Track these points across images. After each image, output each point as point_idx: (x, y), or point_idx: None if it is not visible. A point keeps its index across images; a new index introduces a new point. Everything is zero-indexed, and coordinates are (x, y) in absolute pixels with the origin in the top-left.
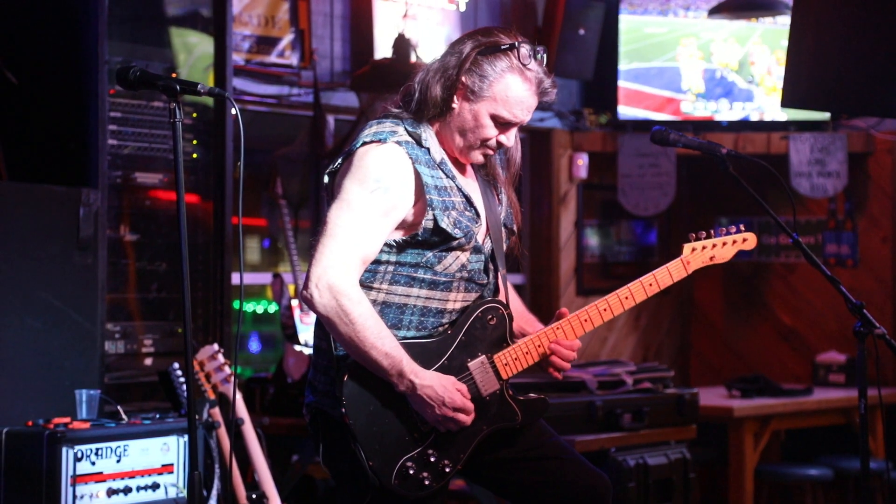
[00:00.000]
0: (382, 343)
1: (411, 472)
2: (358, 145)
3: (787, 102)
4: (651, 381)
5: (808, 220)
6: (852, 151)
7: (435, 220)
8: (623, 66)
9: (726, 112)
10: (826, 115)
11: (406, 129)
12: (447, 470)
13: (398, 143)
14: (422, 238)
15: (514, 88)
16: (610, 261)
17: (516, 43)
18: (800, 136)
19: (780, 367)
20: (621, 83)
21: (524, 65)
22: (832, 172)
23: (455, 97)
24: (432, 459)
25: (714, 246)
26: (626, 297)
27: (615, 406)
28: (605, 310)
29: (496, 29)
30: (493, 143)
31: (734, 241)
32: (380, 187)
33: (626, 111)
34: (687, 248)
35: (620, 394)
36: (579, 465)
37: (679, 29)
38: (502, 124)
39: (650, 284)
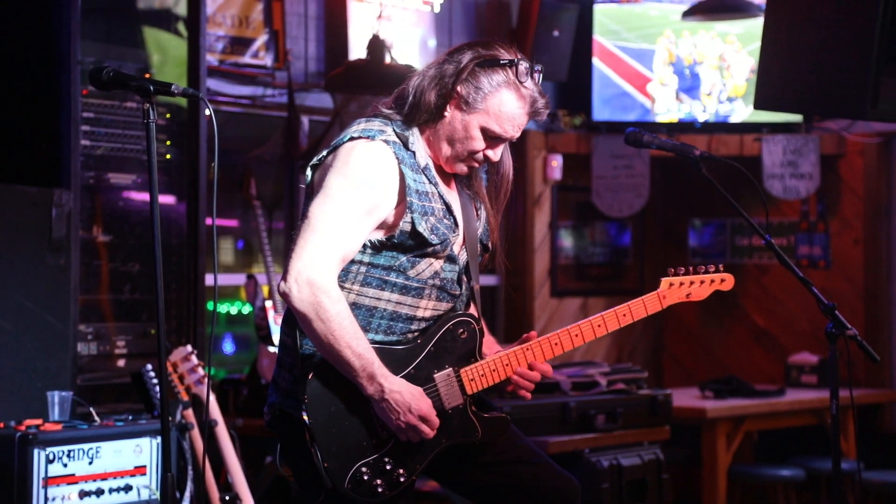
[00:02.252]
0: (357, 344)
1: (365, 478)
2: (345, 139)
3: (759, 104)
4: (625, 382)
5: (781, 222)
6: (824, 153)
7: (413, 223)
8: (598, 35)
9: (698, 112)
10: (798, 117)
11: (395, 130)
12: (402, 480)
13: (386, 141)
14: (398, 241)
15: (507, 104)
16: (584, 262)
17: (515, 59)
18: (772, 138)
19: (753, 368)
20: (597, 37)
21: (521, 82)
22: (804, 174)
23: (448, 106)
24: (388, 468)
25: (692, 283)
26: (599, 325)
27: (589, 407)
28: (576, 335)
29: (497, 42)
30: (479, 156)
31: (712, 281)
32: (365, 184)
33: (598, 65)
34: (664, 282)
35: (594, 395)
36: (548, 469)
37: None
38: (491, 138)
39: (624, 315)
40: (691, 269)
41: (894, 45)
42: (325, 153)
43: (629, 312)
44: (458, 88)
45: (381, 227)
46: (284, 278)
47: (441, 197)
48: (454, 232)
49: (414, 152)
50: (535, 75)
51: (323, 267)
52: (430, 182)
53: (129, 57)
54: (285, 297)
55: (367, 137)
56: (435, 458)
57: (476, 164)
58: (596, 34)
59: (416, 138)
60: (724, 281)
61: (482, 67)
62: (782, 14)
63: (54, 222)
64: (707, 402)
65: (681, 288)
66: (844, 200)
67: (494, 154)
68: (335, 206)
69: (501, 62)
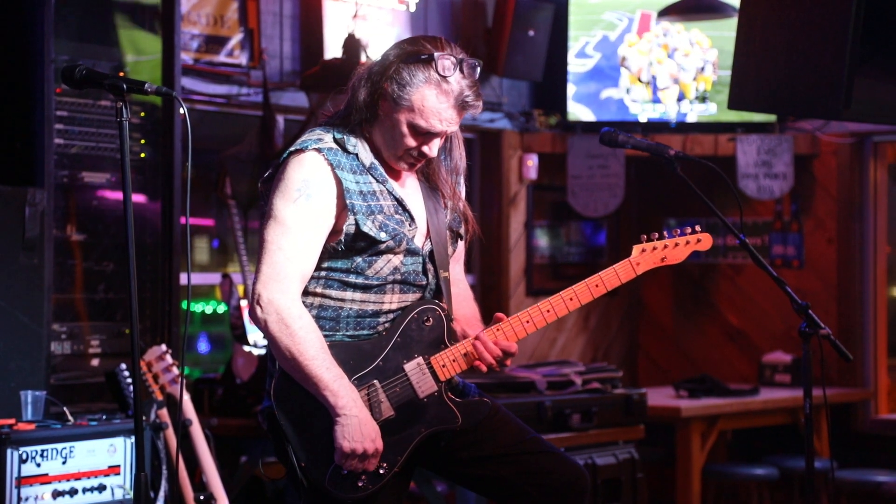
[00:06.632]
0: (323, 360)
1: (345, 472)
2: (283, 157)
3: (734, 104)
4: (600, 381)
5: (755, 222)
6: (798, 153)
7: (357, 224)
8: (652, 10)
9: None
10: (772, 118)
11: (334, 135)
12: (381, 472)
13: (318, 150)
14: (346, 245)
15: (429, 99)
16: (559, 262)
17: (435, 54)
18: (747, 138)
19: (728, 368)
20: (651, 12)
21: (443, 76)
22: (778, 174)
23: (380, 104)
24: None
25: (665, 247)
26: (571, 299)
27: (564, 406)
28: (548, 311)
29: (424, 38)
30: (414, 152)
31: (687, 242)
32: (301, 195)
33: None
34: (636, 249)
35: (569, 394)
36: (559, 458)
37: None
38: (421, 134)
39: (596, 286)
40: (665, 233)
41: (867, 46)
42: (270, 171)
43: (601, 283)
44: (385, 86)
45: (331, 232)
46: (250, 303)
47: (391, 193)
48: (409, 226)
49: (356, 154)
50: (465, 69)
51: (280, 287)
52: (378, 181)
53: (104, 55)
54: (255, 322)
55: (299, 151)
56: (443, 455)
57: (415, 161)
58: (651, 10)
59: (357, 139)
60: (701, 241)
61: (406, 64)
62: (756, 14)
63: (28, 221)
64: (681, 402)
65: (654, 252)
66: (818, 200)
67: (429, 150)
68: (282, 227)
69: (422, 57)
